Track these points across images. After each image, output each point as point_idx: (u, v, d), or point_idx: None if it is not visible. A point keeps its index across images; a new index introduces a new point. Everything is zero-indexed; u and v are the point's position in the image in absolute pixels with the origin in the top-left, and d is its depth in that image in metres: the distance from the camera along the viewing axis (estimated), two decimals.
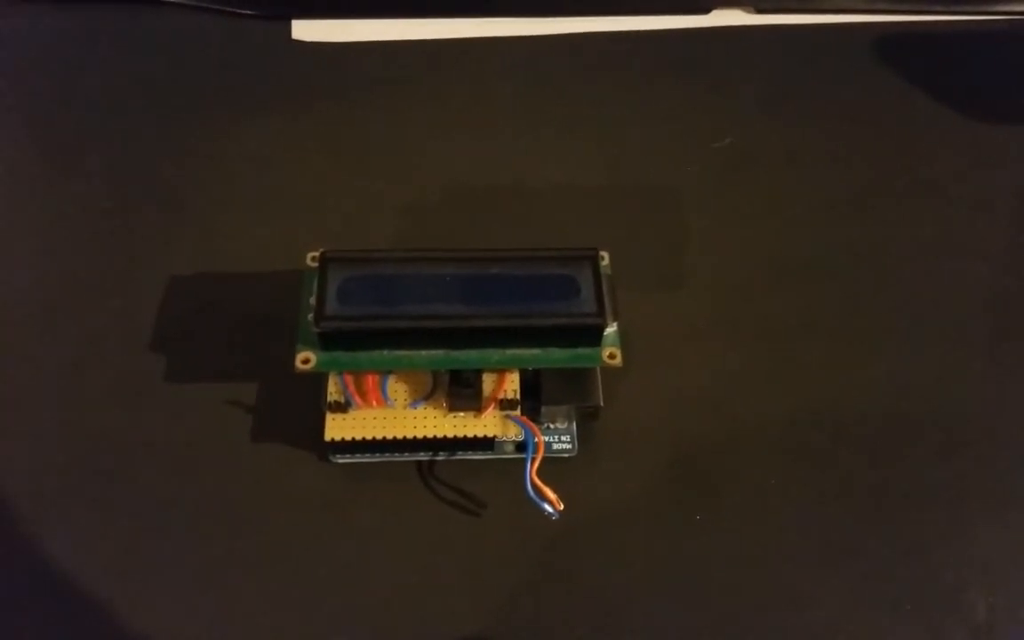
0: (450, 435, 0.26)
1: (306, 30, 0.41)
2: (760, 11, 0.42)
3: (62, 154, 0.36)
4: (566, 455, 0.28)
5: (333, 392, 0.26)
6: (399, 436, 0.26)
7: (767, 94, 0.39)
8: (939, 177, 0.36)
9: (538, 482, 0.25)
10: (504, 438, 0.27)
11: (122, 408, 0.29)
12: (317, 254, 0.26)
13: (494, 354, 0.26)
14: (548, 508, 0.25)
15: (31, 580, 0.25)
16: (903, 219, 0.35)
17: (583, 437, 0.28)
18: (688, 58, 0.41)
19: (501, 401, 0.26)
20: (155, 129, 0.37)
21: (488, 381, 0.27)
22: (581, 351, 0.26)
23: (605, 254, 0.28)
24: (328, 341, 0.25)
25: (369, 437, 0.26)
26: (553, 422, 0.28)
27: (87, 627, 0.25)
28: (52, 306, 0.31)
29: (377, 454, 0.27)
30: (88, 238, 0.33)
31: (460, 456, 0.28)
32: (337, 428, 0.26)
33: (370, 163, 0.36)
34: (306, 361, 0.25)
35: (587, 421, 0.28)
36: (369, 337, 0.25)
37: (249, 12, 0.41)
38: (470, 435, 0.26)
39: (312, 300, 0.25)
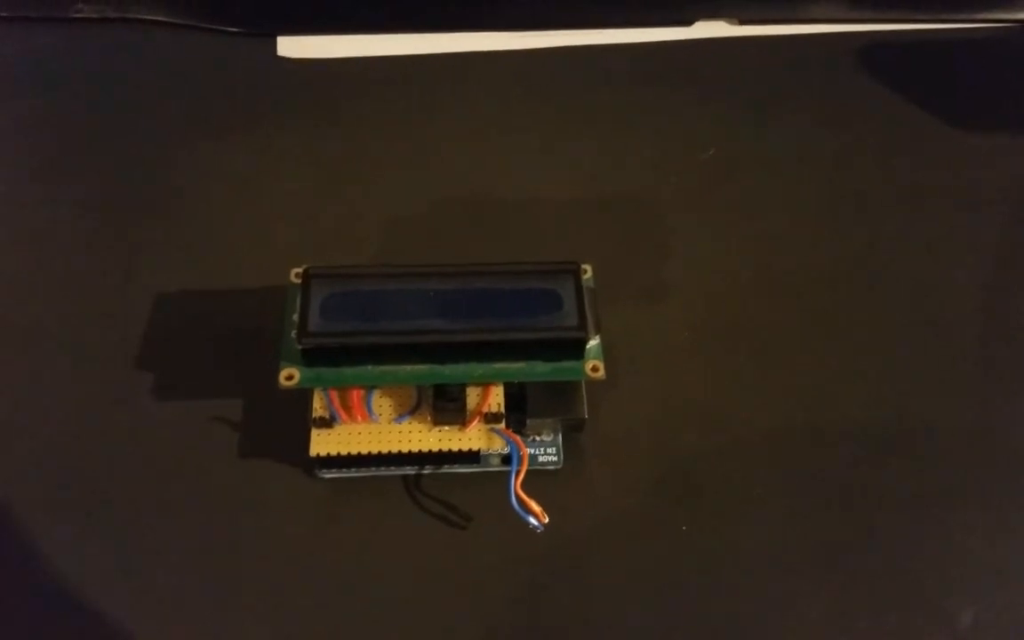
0: (435, 449, 0.26)
1: (292, 47, 0.41)
2: (743, 22, 0.43)
3: (47, 171, 0.36)
4: (551, 467, 0.28)
5: (318, 408, 0.26)
6: (384, 451, 0.26)
7: (751, 105, 0.39)
8: (924, 184, 0.36)
9: (523, 495, 0.25)
10: (489, 451, 0.27)
11: (106, 423, 0.28)
12: (301, 270, 0.27)
13: (478, 368, 0.26)
14: (533, 521, 0.25)
15: (13, 590, 0.25)
16: (888, 227, 0.35)
17: (569, 449, 0.28)
18: (672, 70, 0.41)
19: (486, 414, 0.26)
20: (141, 146, 0.37)
21: (472, 395, 0.27)
22: (564, 365, 0.26)
23: (588, 267, 0.28)
24: (311, 357, 0.25)
25: (354, 452, 0.26)
26: (538, 435, 0.28)
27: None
28: (37, 321, 0.31)
29: (363, 469, 0.27)
30: (74, 254, 0.33)
31: (446, 470, 0.28)
32: (322, 443, 0.26)
33: (356, 179, 0.36)
34: (290, 377, 0.25)
35: (572, 433, 0.28)
36: (352, 353, 0.26)
37: (235, 29, 0.41)
38: (455, 449, 0.26)
39: (295, 316, 0.25)
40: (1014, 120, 0.39)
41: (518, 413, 0.27)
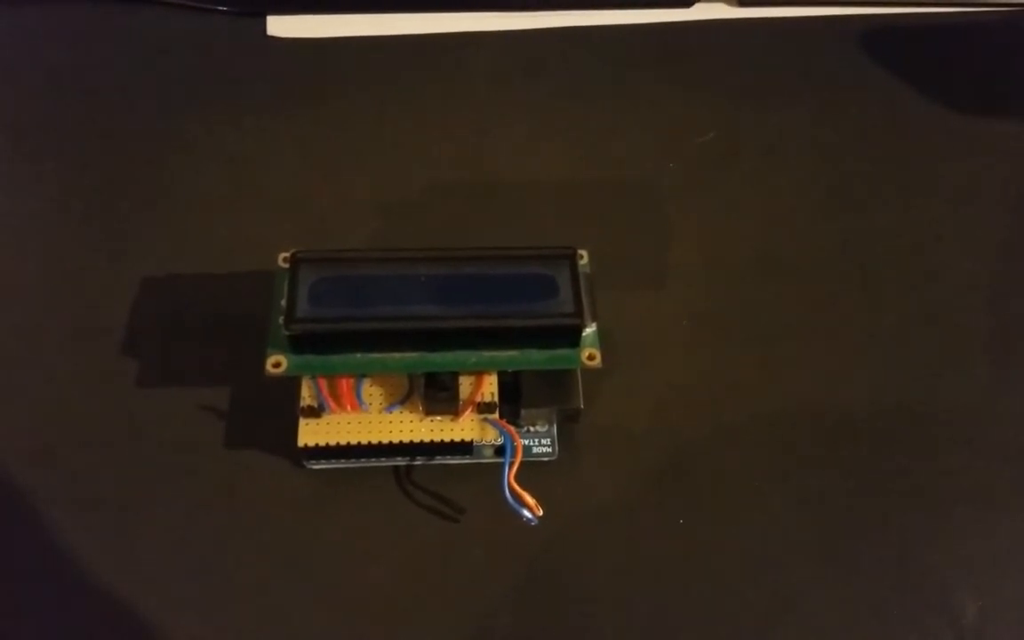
0: (427, 440, 0.26)
1: (281, 26, 0.40)
2: (743, 4, 0.42)
3: (32, 152, 0.35)
4: (546, 458, 0.27)
5: (306, 396, 0.25)
6: (374, 441, 0.26)
7: (750, 88, 0.39)
8: (925, 171, 0.36)
9: (516, 487, 0.24)
10: (482, 442, 0.26)
11: (91, 411, 0.28)
12: (288, 255, 0.26)
13: (470, 356, 0.25)
14: (527, 514, 0.24)
15: None
16: (889, 213, 0.34)
17: (564, 440, 0.27)
18: (671, 52, 0.40)
19: (479, 404, 0.26)
20: (127, 127, 0.36)
21: (465, 384, 0.26)
22: (560, 352, 0.25)
23: (584, 253, 0.27)
24: (299, 344, 0.25)
25: (343, 442, 0.25)
26: (533, 425, 0.27)
27: (49, 630, 0.24)
28: (22, 306, 0.30)
29: (352, 460, 0.27)
30: (59, 238, 0.32)
31: (438, 461, 0.27)
32: (310, 434, 0.26)
33: (346, 161, 0.35)
34: (277, 365, 0.25)
35: (568, 423, 0.28)
36: (341, 340, 0.25)
37: (223, 8, 0.40)
38: (447, 440, 0.26)
39: (283, 302, 0.25)
40: (1018, 107, 0.38)
41: (512, 403, 0.26)
